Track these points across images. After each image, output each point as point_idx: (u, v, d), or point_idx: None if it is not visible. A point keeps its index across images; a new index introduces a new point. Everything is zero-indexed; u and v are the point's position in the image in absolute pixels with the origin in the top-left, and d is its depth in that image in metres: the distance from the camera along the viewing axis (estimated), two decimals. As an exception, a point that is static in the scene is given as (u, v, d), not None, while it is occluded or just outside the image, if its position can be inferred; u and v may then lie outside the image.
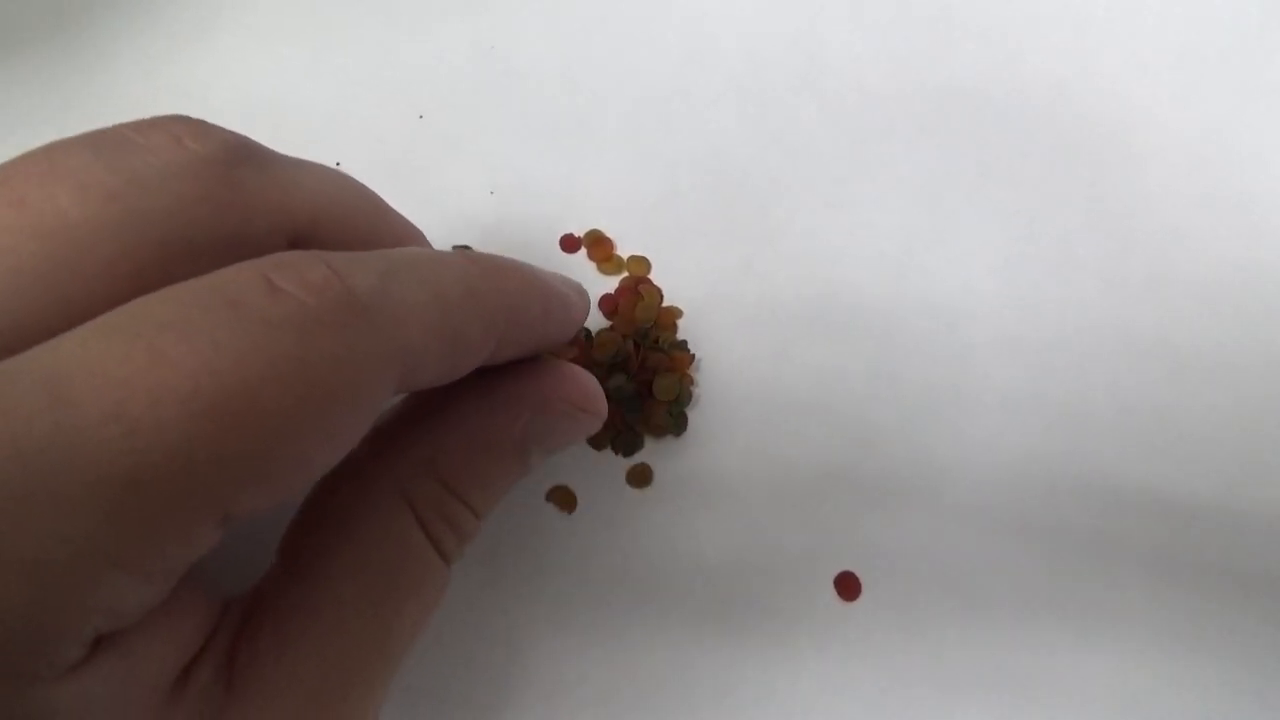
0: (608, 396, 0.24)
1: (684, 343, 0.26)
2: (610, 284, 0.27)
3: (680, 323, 0.27)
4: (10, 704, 0.12)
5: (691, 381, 0.26)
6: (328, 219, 0.18)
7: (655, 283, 0.27)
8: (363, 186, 0.19)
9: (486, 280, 0.17)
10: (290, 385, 0.13)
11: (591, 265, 0.27)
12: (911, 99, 0.31)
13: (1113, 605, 0.23)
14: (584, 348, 0.25)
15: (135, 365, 0.12)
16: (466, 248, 0.27)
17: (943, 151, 0.30)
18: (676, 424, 0.25)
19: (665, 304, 0.27)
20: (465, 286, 0.16)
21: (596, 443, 0.25)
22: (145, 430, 0.12)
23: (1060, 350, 0.26)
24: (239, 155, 0.16)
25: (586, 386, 0.20)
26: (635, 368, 0.25)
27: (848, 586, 0.23)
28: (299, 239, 0.17)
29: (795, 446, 0.25)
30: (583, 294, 0.21)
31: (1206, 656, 0.23)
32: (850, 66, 0.31)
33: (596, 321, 0.27)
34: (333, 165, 0.21)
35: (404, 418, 0.19)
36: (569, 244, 0.28)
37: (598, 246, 0.28)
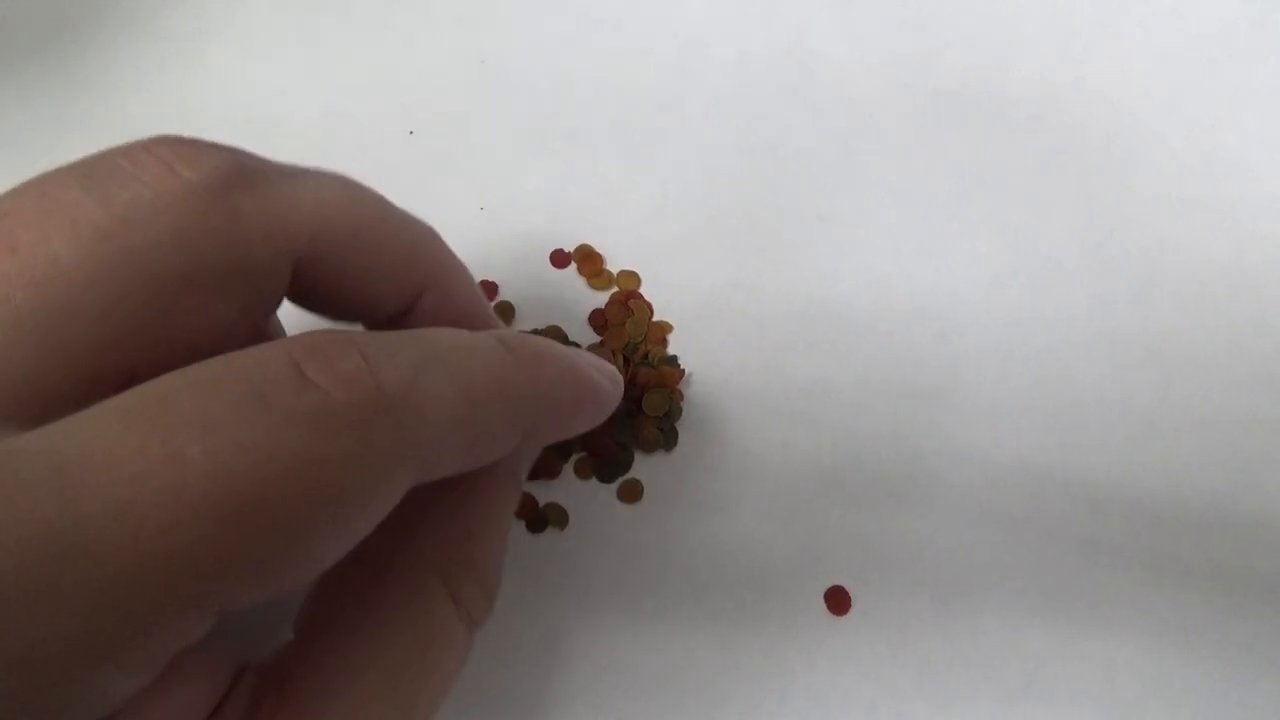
0: None
1: (674, 358, 0.26)
2: (600, 299, 0.27)
3: (670, 337, 0.27)
4: None
5: (681, 396, 0.26)
6: (331, 236, 0.17)
7: (645, 297, 0.27)
8: (365, 191, 0.18)
9: (520, 372, 0.16)
10: (306, 486, 0.13)
11: (581, 280, 0.28)
12: (901, 110, 0.31)
13: (1103, 615, 0.23)
14: None
15: (149, 461, 0.12)
16: (491, 284, 0.27)
17: (932, 162, 0.30)
18: (667, 439, 0.25)
19: (655, 318, 0.27)
20: (496, 379, 0.16)
21: (581, 473, 0.25)
22: (151, 531, 0.11)
23: (1049, 359, 0.27)
24: (234, 178, 0.16)
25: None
26: (625, 383, 0.25)
27: (838, 601, 0.23)
28: (304, 259, 0.17)
29: (785, 460, 0.25)
30: (617, 381, 0.20)
31: (1197, 663, 0.23)
32: (839, 79, 0.32)
33: (586, 336, 0.27)
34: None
35: (422, 497, 0.18)
36: (559, 259, 0.28)
37: (587, 261, 0.28)
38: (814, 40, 0.32)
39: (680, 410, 0.25)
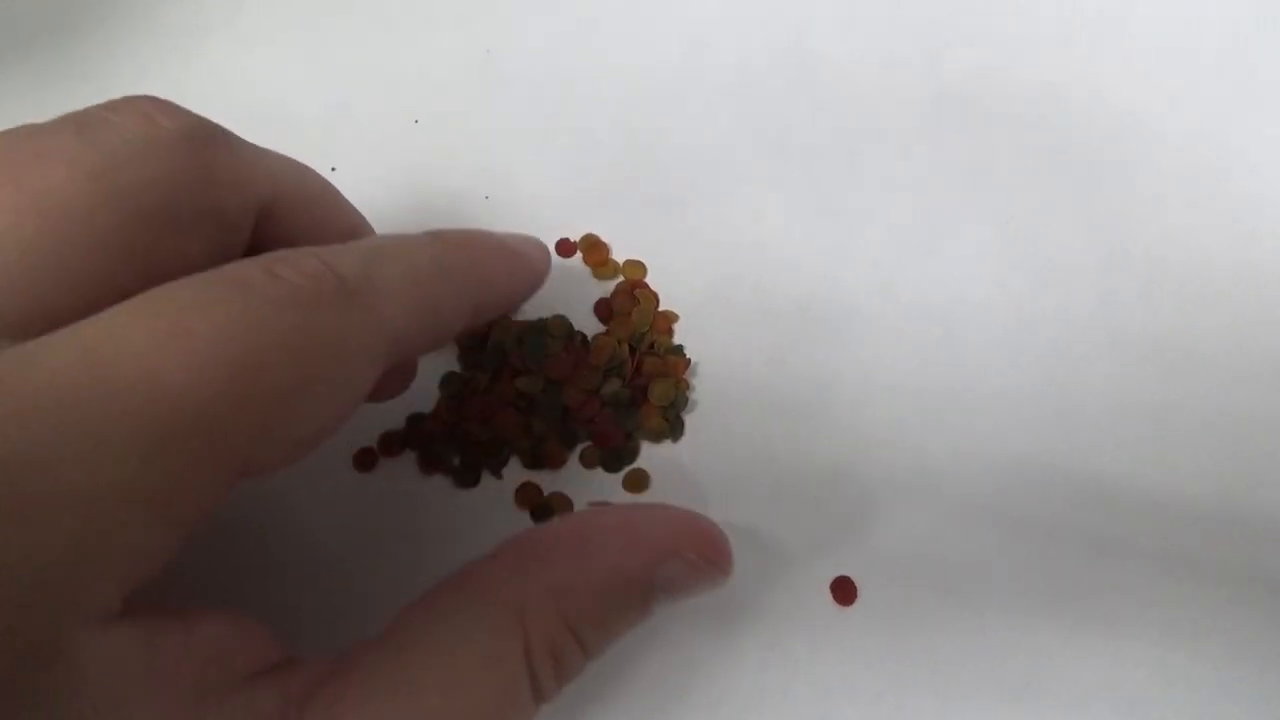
0: (603, 404, 0.24)
1: (680, 347, 0.26)
2: (606, 288, 0.27)
3: (676, 327, 0.27)
4: (48, 639, 0.12)
5: (687, 386, 0.26)
6: (288, 200, 0.19)
7: (651, 287, 0.27)
8: (318, 175, 0.21)
9: (455, 255, 0.19)
10: (296, 354, 0.15)
11: (587, 270, 0.28)
12: (905, 104, 0.31)
13: (1109, 608, 0.23)
14: (580, 354, 0.25)
15: (162, 336, 0.14)
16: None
17: (936, 156, 0.30)
18: (673, 429, 0.25)
19: (661, 308, 0.27)
20: (436, 263, 0.18)
21: (586, 462, 0.25)
22: (174, 390, 0.13)
23: (1054, 353, 0.27)
24: (208, 134, 0.18)
25: (718, 538, 0.20)
26: (631, 372, 0.25)
27: (844, 591, 0.23)
28: (263, 216, 0.19)
29: (791, 451, 0.25)
30: (540, 247, 0.23)
31: (1203, 657, 0.23)
32: (844, 73, 0.31)
33: (592, 325, 0.27)
34: (328, 171, 0.22)
35: (535, 541, 0.19)
36: (565, 248, 0.28)
37: (593, 251, 0.28)
38: (818, 35, 0.32)
39: (686, 400, 0.25)
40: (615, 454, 0.25)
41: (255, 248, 0.19)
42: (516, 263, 0.22)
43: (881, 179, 0.29)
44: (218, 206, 0.17)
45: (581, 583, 0.18)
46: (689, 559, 0.19)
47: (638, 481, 0.24)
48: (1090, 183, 0.29)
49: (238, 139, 0.19)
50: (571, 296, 0.27)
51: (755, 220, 0.28)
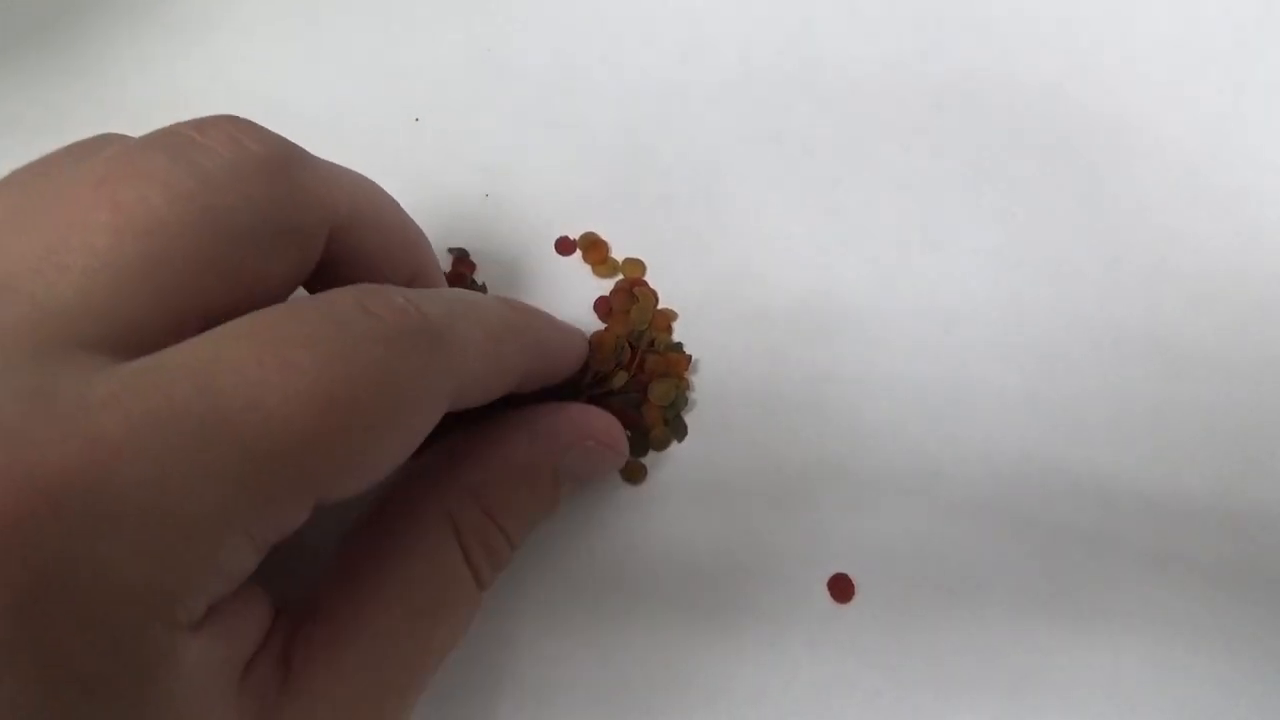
0: (610, 393, 0.24)
1: (679, 345, 0.26)
2: (605, 286, 0.27)
3: (675, 325, 0.27)
4: (150, 646, 0.13)
5: (688, 385, 0.26)
6: (361, 217, 0.20)
7: (650, 285, 0.27)
8: (385, 192, 0.22)
9: (520, 319, 0.20)
10: (384, 391, 0.15)
11: (586, 268, 0.28)
12: (906, 99, 0.31)
13: (1108, 605, 0.23)
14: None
15: (269, 368, 0.14)
16: (463, 250, 0.27)
17: (937, 152, 0.30)
18: (675, 429, 0.25)
19: (660, 306, 0.27)
20: (506, 323, 0.19)
21: None
22: (278, 420, 0.14)
23: (1055, 351, 0.27)
24: (291, 156, 0.18)
25: (612, 426, 0.22)
26: (634, 368, 0.25)
27: (841, 588, 0.23)
28: (338, 232, 0.19)
29: (790, 447, 0.25)
30: (582, 337, 0.24)
31: (1202, 655, 0.23)
32: (844, 69, 0.31)
33: (591, 323, 0.27)
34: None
35: (452, 449, 0.21)
36: (564, 246, 0.28)
37: (593, 249, 0.28)
38: (819, 31, 0.32)
39: (686, 400, 0.25)
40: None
41: (325, 263, 0.19)
42: (566, 341, 0.23)
43: (882, 177, 0.29)
44: (299, 226, 0.18)
45: (496, 478, 0.20)
46: (587, 447, 0.21)
47: (635, 472, 0.24)
48: (1091, 180, 0.29)
49: (314, 158, 0.19)
50: (571, 295, 0.27)
51: (755, 218, 0.29)
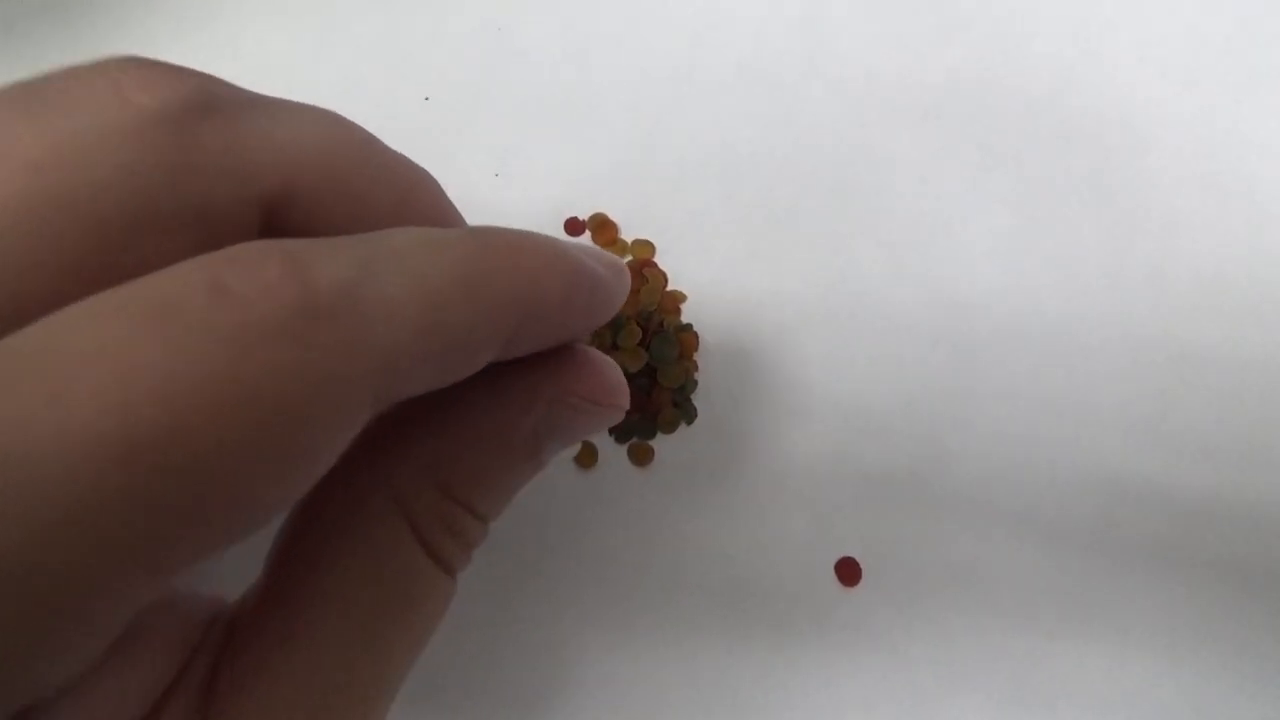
0: (636, 358, 0.24)
1: (689, 325, 0.26)
2: (615, 268, 0.27)
3: (684, 307, 0.27)
4: None
5: (695, 367, 0.26)
6: (311, 175, 0.15)
7: (660, 266, 0.27)
8: (353, 129, 0.16)
9: (495, 266, 0.14)
10: (228, 413, 0.10)
11: (596, 248, 0.27)
12: (917, 85, 0.30)
13: (1113, 594, 0.23)
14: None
15: (32, 407, 0.10)
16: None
17: (947, 139, 0.30)
18: (684, 412, 0.25)
19: (670, 288, 0.27)
20: (462, 276, 0.13)
21: (619, 436, 0.25)
22: (49, 486, 0.10)
23: (1063, 339, 0.26)
24: (197, 107, 0.14)
25: (608, 376, 0.17)
26: (649, 338, 0.25)
27: (849, 572, 0.23)
28: (276, 204, 0.14)
29: (797, 432, 0.25)
30: (620, 271, 0.17)
31: (1206, 646, 0.23)
32: (856, 52, 0.31)
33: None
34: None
35: (402, 414, 0.16)
36: (574, 227, 0.28)
37: (602, 230, 0.27)
38: (831, 15, 0.32)
39: (695, 384, 0.25)
40: (635, 425, 0.25)
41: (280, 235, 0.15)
42: (581, 286, 0.15)
43: (893, 161, 0.29)
44: (203, 202, 0.13)
45: (455, 450, 0.16)
46: (571, 404, 0.16)
47: (643, 454, 0.24)
48: (1101, 169, 0.29)
49: (241, 102, 0.15)
50: (580, 275, 0.27)
51: (765, 201, 0.28)
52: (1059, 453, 0.25)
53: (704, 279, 0.27)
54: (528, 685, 0.22)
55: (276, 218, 0.14)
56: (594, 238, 0.27)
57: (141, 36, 0.31)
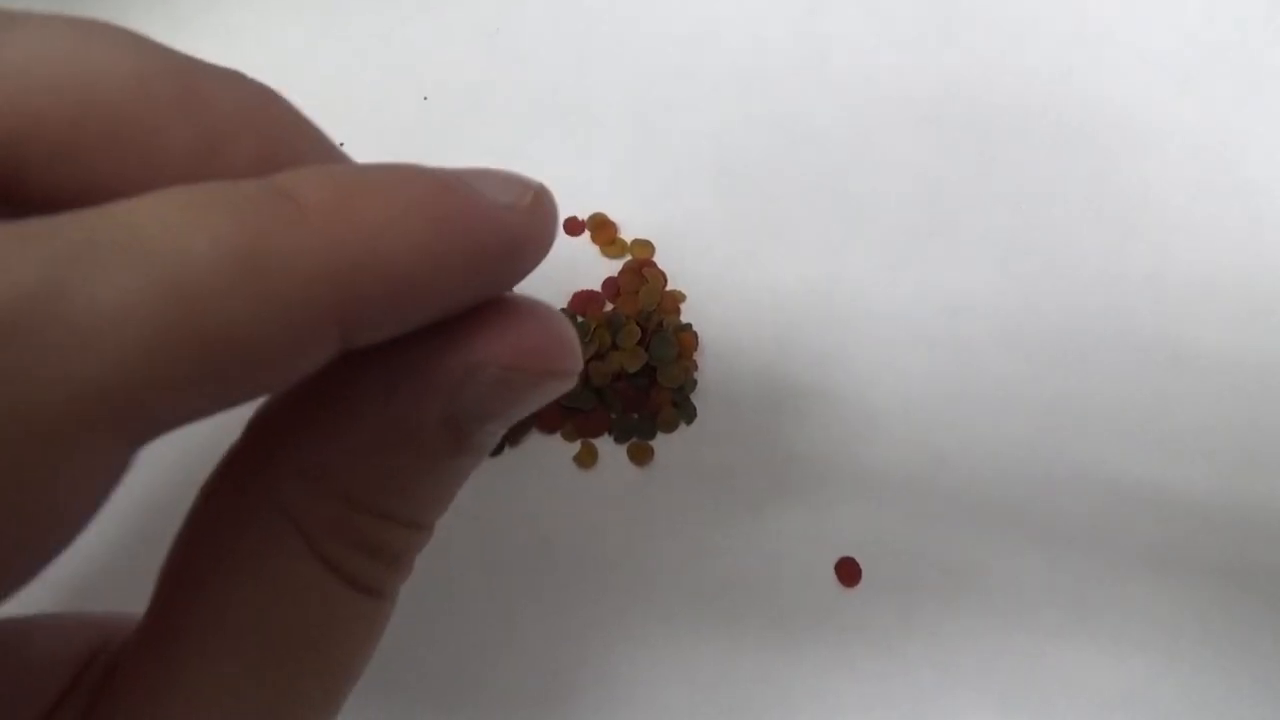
0: (623, 374, 0.24)
1: (688, 325, 0.26)
2: (614, 267, 0.27)
3: (683, 307, 0.27)
4: None
5: (694, 366, 0.26)
6: (57, 112, 0.11)
7: (659, 266, 0.27)
8: (132, 43, 0.12)
9: (304, 228, 0.10)
10: None
11: (595, 248, 0.27)
12: (914, 87, 0.31)
13: (1109, 593, 0.23)
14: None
15: None
16: None
17: (945, 140, 0.30)
18: (683, 411, 0.25)
19: (669, 288, 0.27)
20: (246, 252, 0.09)
21: (619, 436, 0.25)
22: None
23: (1061, 340, 0.26)
24: None
25: (544, 330, 0.12)
26: (647, 341, 0.25)
27: (848, 572, 0.23)
28: (5, 161, 0.11)
29: (797, 432, 0.25)
30: (538, 201, 0.12)
31: (1204, 645, 0.23)
32: (854, 56, 0.31)
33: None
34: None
35: (284, 407, 0.13)
36: (573, 227, 0.28)
37: (601, 230, 0.27)
38: (829, 18, 0.32)
39: (695, 383, 0.25)
40: (634, 425, 0.25)
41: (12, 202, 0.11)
42: (460, 227, 0.11)
43: (891, 163, 0.29)
44: None
45: (352, 453, 0.12)
46: (494, 375, 0.12)
47: (642, 453, 0.24)
48: (1099, 170, 0.29)
49: None
50: (579, 275, 0.27)
51: (763, 202, 0.28)
52: (1057, 453, 0.25)
53: (703, 279, 0.27)
54: (527, 684, 0.22)
55: (8, 179, 0.11)
56: (593, 237, 0.27)
57: (144, 34, 0.31)
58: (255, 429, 0.13)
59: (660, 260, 0.27)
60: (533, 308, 0.12)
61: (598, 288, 0.27)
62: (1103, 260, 0.28)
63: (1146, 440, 0.25)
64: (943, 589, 0.23)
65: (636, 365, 0.24)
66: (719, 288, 0.27)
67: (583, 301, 0.26)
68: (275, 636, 0.12)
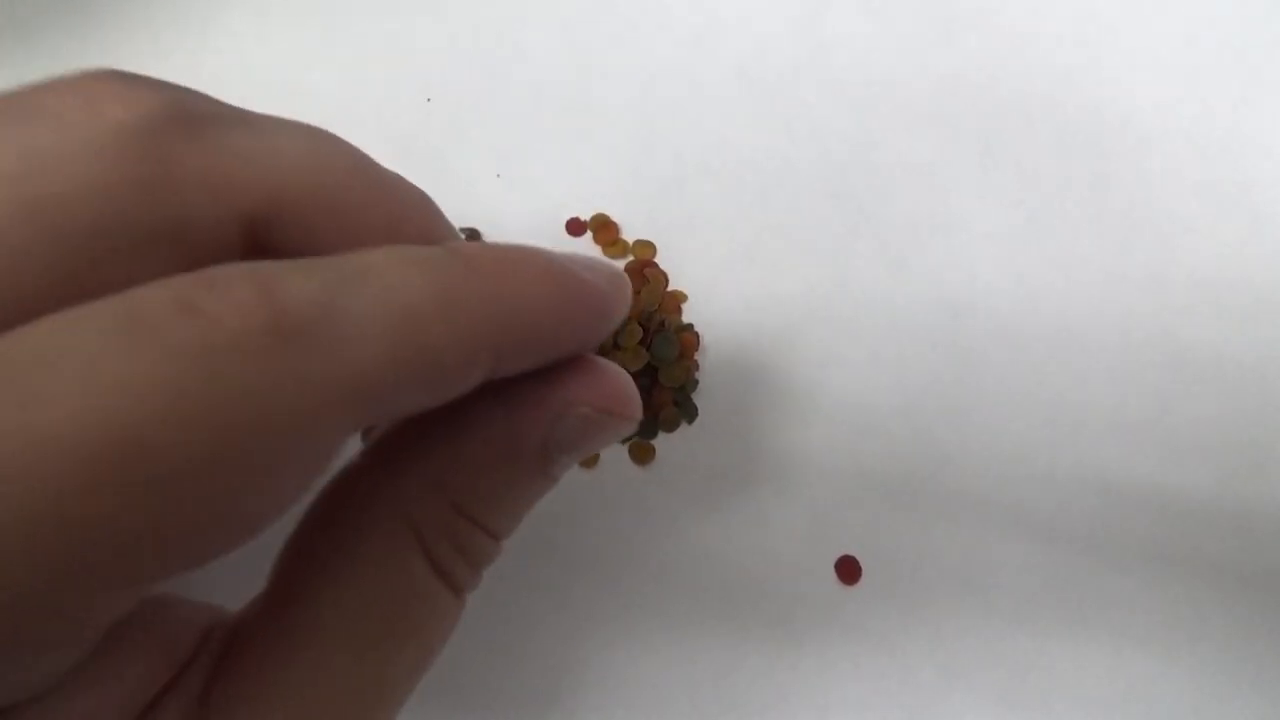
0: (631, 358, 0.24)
1: (690, 326, 0.26)
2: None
3: (685, 307, 0.27)
4: None
5: (696, 367, 0.26)
6: (296, 194, 0.14)
7: (660, 266, 0.27)
8: (341, 145, 0.16)
9: (476, 283, 0.13)
10: (195, 431, 0.10)
11: (597, 249, 0.28)
12: (916, 86, 0.31)
13: (1109, 593, 0.23)
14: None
15: (7, 409, 0.10)
16: (474, 230, 0.27)
17: (947, 139, 0.30)
18: (685, 411, 0.25)
19: (670, 288, 0.27)
20: (443, 294, 0.13)
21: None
22: (13, 491, 0.10)
23: (1062, 339, 0.26)
24: (174, 122, 0.13)
25: (619, 385, 0.16)
26: (650, 340, 0.25)
27: (848, 570, 0.23)
28: (259, 223, 0.14)
29: (798, 431, 0.25)
30: (619, 280, 0.16)
31: (1204, 645, 0.23)
32: (856, 54, 0.31)
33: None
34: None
35: (410, 425, 0.16)
36: (575, 227, 0.28)
37: (603, 230, 0.28)
38: (830, 14, 0.32)
39: (696, 383, 0.25)
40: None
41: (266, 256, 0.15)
42: (576, 301, 0.15)
43: (892, 163, 0.29)
44: (181, 220, 0.13)
45: (465, 464, 0.15)
46: (582, 414, 0.16)
47: (644, 453, 0.25)
48: (1101, 169, 0.29)
49: (228, 120, 0.14)
50: (581, 275, 0.27)
51: (765, 202, 0.28)
52: (1058, 452, 0.25)
53: (704, 279, 0.27)
54: (527, 684, 0.22)
55: (260, 237, 0.14)
56: (595, 238, 0.28)
57: (147, 38, 0.31)
58: (382, 446, 0.16)
59: (662, 260, 0.27)
60: (612, 367, 0.17)
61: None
62: (1104, 260, 0.28)
63: (1147, 439, 0.25)
64: (943, 587, 0.23)
65: (638, 365, 0.24)
66: (720, 288, 0.27)
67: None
68: (380, 623, 0.14)
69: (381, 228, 0.15)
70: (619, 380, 0.16)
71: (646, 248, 0.27)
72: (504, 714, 0.22)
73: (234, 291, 0.11)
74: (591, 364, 0.16)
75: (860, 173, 0.29)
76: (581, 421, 0.16)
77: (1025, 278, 0.27)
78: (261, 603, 0.15)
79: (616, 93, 0.30)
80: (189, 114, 0.14)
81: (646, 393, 0.25)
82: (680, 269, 0.27)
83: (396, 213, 0.16)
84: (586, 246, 0.28)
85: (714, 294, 0.27)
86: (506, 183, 0.29)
